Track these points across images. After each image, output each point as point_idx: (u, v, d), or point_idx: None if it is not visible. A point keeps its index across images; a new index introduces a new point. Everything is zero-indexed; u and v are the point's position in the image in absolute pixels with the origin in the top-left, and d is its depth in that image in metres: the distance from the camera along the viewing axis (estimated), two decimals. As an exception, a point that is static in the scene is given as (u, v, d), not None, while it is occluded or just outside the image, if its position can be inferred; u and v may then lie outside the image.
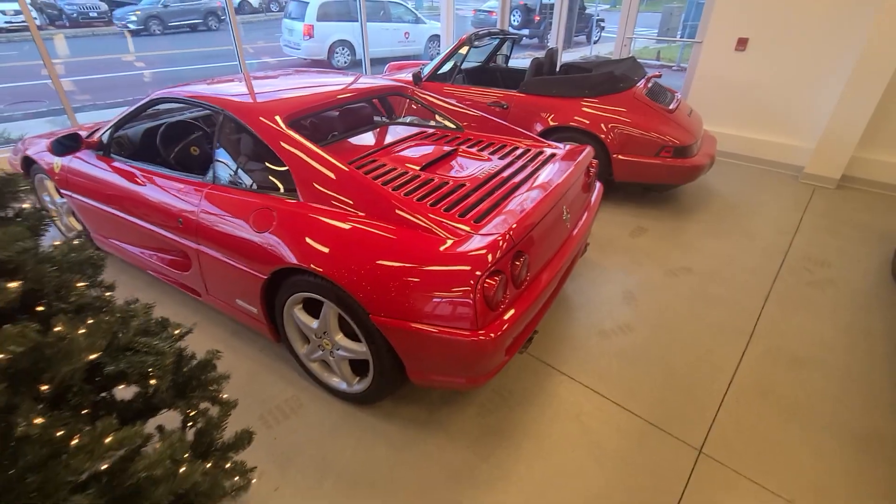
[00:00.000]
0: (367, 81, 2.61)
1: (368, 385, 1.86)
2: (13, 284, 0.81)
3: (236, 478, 1.26)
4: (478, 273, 1.50)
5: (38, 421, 0.78)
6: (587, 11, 15.30)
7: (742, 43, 4.55)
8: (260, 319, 2.03)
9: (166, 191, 2.19)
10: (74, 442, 0.80)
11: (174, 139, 2.72)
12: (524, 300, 1.69)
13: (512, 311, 1.62)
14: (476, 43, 4.31)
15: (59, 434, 0.79)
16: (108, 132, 2.46)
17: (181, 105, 2.66)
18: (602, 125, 3.56)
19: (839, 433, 1.91)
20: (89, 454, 0.81)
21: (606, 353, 2.31)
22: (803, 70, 4.31)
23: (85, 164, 2.52)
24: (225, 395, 1.30)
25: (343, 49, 11.07)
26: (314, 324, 1.85)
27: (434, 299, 1.54)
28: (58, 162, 2.62)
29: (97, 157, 2.50)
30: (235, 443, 1.30)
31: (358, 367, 1.94)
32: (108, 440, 0.83)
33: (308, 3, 10.62)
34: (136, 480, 0.87)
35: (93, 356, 0.86)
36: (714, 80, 4.80)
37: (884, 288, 2.83)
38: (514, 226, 1.64)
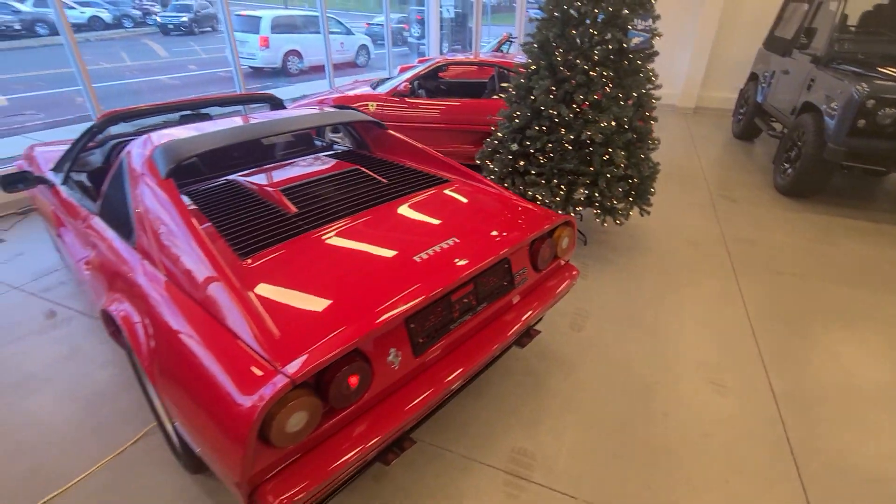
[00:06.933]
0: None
1: None
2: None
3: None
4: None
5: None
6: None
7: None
8: None
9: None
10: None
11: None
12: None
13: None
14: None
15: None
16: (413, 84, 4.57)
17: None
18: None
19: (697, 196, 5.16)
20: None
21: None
22: (674, 46, 7.94)
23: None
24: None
25: (294, 58, 12.63)
26: None
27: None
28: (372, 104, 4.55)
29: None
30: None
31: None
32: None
33: (260, 17, 11.98)
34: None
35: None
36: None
37: (730, 140, 6.48)
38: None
